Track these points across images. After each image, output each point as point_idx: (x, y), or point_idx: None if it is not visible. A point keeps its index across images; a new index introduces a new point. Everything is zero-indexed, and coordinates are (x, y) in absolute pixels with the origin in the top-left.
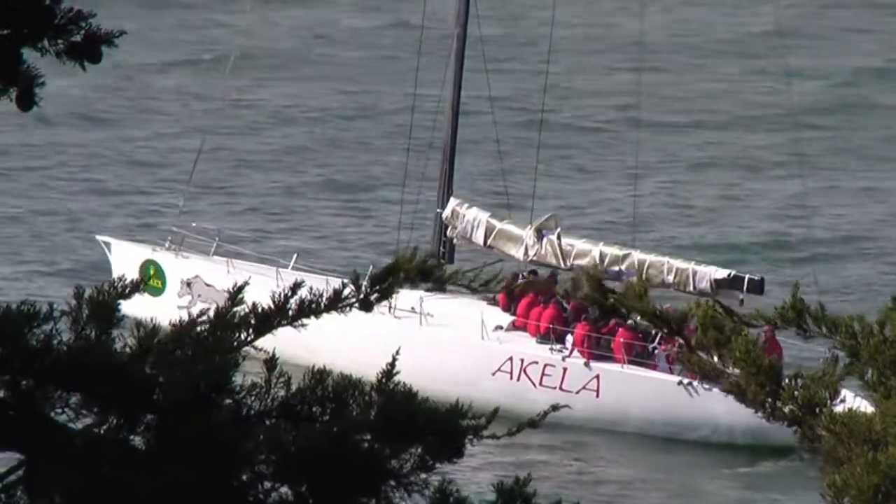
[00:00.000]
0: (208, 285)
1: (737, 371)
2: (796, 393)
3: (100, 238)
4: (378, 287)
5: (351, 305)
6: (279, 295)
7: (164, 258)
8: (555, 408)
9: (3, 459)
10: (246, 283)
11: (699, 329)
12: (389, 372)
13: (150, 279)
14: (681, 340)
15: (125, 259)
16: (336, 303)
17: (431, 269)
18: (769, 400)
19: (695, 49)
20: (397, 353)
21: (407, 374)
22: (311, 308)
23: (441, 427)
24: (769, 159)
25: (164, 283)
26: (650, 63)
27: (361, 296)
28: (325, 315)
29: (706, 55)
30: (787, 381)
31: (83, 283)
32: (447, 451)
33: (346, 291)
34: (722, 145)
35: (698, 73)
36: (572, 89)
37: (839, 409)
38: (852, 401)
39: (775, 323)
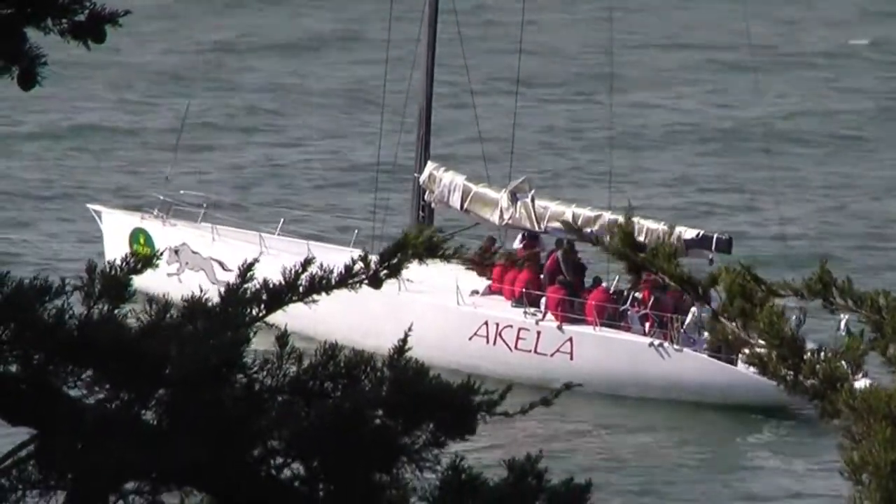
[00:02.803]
0: (195, 252)
1: (761, 342)
2: (818, 367)
3: (91, 207)
4: (388, 263)
5: (361, 282)
6: (290, 271)
7: (153, 226)
8: (568, 386)
9: (15, 434)
10: (256, 260)
11: (726, 297)
12: (401, 348)
13: (140, 248)
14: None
15: (115, 228)
16: (347, 279)
17: (439, 244)
18: (790, 373)
19: None
20: (409, 328)
21: (385, 340)
22: (321, 284)
23: (453, 403)
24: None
25: (152, 252)
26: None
27: (371, 272)
28: (335, 291)
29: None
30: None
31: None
32: (459, 428)
33: (357, 268)
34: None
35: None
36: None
37: (859, 384)
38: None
39: (802, 294)
